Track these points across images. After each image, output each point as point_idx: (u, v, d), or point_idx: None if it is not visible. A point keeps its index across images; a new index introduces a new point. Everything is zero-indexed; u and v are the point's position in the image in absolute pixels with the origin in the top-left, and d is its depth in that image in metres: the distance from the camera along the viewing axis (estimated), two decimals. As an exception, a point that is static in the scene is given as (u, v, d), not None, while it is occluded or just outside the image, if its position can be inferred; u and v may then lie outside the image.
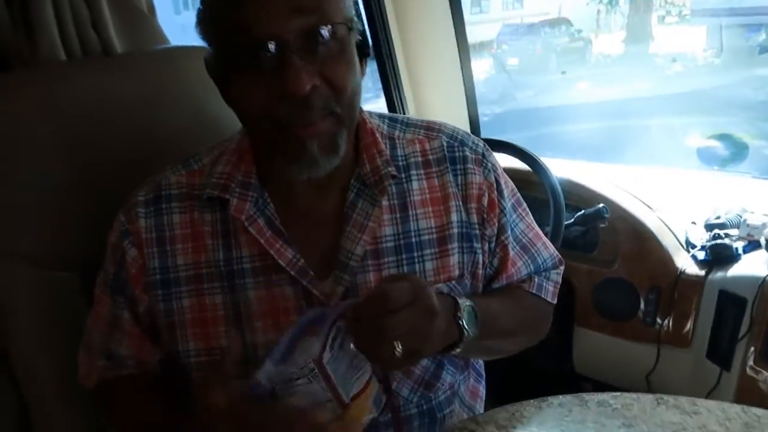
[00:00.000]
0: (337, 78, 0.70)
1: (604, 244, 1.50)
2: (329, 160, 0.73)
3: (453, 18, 1.80)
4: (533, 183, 1.46)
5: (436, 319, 0.66)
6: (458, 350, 0.74)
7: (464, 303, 0.73)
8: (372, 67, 1.93)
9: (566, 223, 1.41)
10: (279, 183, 0.80)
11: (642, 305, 1.41)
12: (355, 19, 0.73)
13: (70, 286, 0.94)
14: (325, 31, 0.68)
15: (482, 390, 0.95)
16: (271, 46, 0.66)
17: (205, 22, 0.73)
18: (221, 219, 0.80)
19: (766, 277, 1.18)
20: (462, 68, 1.88)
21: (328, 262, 0.79)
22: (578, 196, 1.51)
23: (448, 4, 1.77)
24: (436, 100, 1.95)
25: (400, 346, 0.63)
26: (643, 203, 1.51)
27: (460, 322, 0.72)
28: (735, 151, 2.22)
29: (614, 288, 1.45)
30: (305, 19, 0.67)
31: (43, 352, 0.92)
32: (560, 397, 0.80)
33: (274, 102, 0.68)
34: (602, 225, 1.47)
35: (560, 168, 1.57)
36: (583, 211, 1.42)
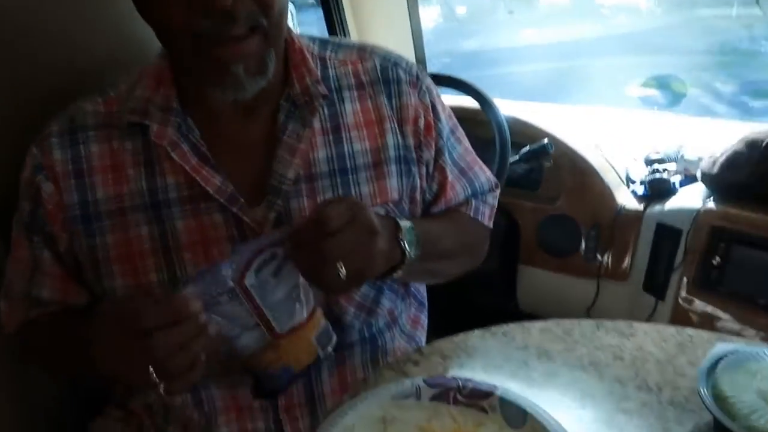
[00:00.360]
0: None
1: (547, 182, 1.51)
2: (256, 81, 0.69)
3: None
4: (479, 121, 1.44)
5: (377, 239, 0.65)
6: (400, 272, 0.73)
7: (405, 224, 0.72)
8: (318, 15, 1.84)
9: (511, 160, 1.40)
10: (203, 107, 0.75)
11: (584, 241, 1.43)
12: None
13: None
14: None
15: (424, 318, 0.96)
16: None
17: None
18: (143, 147, 0.75)
19: (699, 208, 1.21)
20: (409, 12, 1.81)
21: (259, 188, 0.75)
22: (523, 134, 1.50)
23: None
24: (382, 44, 1.88)
25: (344, 268, 0.62)
26: (587, 141, 1.52)
27: (402, 243, 0.71)
28: (674, 93, 2.28)
29: (557, 225, 1.47)
30: None
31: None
32: (504, 326, 0.80)
33: (196, 15, 0.63)
34: (547, 163, 1.48)
35: (506, 108, 1.56)
36: (528, 147, 1.42)
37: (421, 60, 1.92)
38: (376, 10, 1.82)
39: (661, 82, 2.47)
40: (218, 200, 0.73)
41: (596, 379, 0.70)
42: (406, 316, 0.91)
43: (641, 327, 0.79)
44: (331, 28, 1.81)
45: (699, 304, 1.21)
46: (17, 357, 0.89)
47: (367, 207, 0.65)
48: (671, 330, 0.78)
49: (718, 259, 1.17)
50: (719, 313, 1.20)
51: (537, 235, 1.51)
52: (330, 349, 0.71)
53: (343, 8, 1.79)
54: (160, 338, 0.56)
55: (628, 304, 1.38)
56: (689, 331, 0.78)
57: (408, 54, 1.88)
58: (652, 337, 0.77)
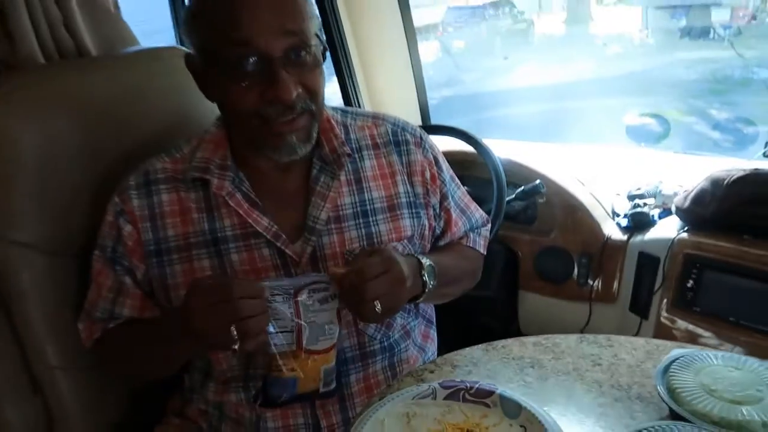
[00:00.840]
0: (314, 85, 0.87)
1: (542, 217, 1.68)
2: (305, 146, 0.90)
3: (402, 14, 1.94)
4: (477, 163, 1.62)
5: (405, 283, 0.84)
6: (421, 299, 0.91)
7: (426, 262, 0.91)
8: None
9: (508, 198, 1.58)
10: (252, 166, 0.95)
11: (576, 269, 1.59)
12: (320, 33, 0.89)
13: (67, 269, 1.04)
14: (304, 50, 0.84)
15: (433, 334, 1.14)
16: (262, 59, 0.82)
17: (194, 28, 0.87)
18: (204, 197, 0.94)
19: (674, 238, 1.38)
20: (411, 57, 2.02)
21: (297, 228, 0.94)
22: (518, 174, 1.68)
23: (400, 3, 1.91)
24: (387, 87, 2.09)
25: (380, 305, 0.81)
26: (576, 179, 1.69)
27: (424, 278, 0.90)
28: (659, 130, 2.47)
29: (552, 255, 1.63)
30: (290, 40, 0.83)
31: (49, 332, 1.02)
32: (503, 341, 0.96)
33: (264, 104, 0.84)
34: (541, 200, 1.66)
35: (503, 148, 1.74)
36: (522, 187, 1.60)
37: (423, 106, 2.12)
38: (381, 54, 2.03)
39: (649, 118, 2.66)
40: (265, 237, 0.92)
41: (578, 380, 0.86)
42: (418, 331, 1.08)
43: (617, 339, 0.95)
44: (338, 70, 2.00)
45: (678, 323, 1.37)
46: (88, 374, 1.06)
47: (400, 258, 0.84)
48: (641, 341, 0.94)
49: (691, 282, 1.33)
50: (697, 330, 1.35)
51: (534, 264, 1.67)
52: (327, 388, 0.89)
53: (349, 51, 1.99)
54: (243, 304, 0.75)
55: (617, 323, 1.53)
56: (656, 341, 0.94)
57: (411, 95, 2.08)
58: (626, 347, 0.93)
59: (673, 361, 0.79)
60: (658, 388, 0.75)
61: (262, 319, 0.78)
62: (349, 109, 1.06)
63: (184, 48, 1.34)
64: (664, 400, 0.73)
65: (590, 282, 1.58)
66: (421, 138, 1.04)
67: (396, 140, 1.02)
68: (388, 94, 2.09)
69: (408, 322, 1.05)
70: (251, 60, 0.82)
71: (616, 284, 1.53)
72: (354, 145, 0.99)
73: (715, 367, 0.77)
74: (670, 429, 0.68)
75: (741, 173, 1.31)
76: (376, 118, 1.04)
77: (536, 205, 1.68)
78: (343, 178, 0.97)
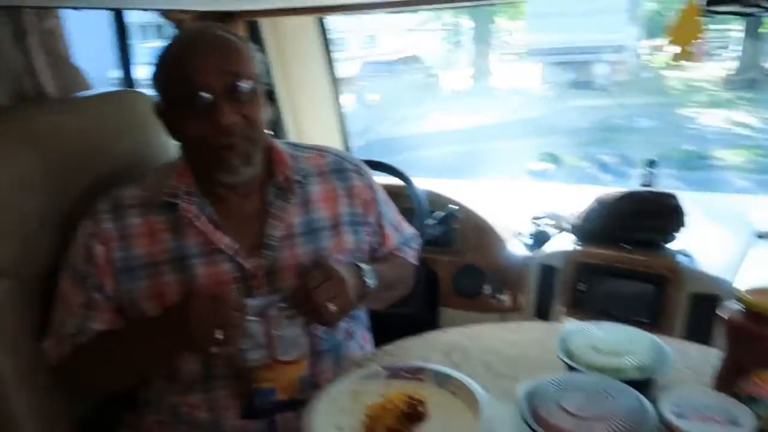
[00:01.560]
0: (251, 114, 1.02)
1: (458, 240, 1.89)
2: (246, 169, 1.04)
3: (328, 64, 2.14)
4: (402, 195, 1.81)
5: (347, 283, 1.00)
6: (365, 299, 1.07)
7: (365, 267, 1.08)
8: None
9: (429, 224, 1.78)
10: (213, 191, 1.08)
11: (488, 284, 1.81)
12: (262, 75, 1.06)
13: (28, 292, 1.10)
14: (242, 85, 1.00)
15: (370, 338, 1.30)
16: (207, 94, 0.98)
17: (158, 78, 1.03)
18: (172, 219, 1.06)
19: (569, 250, 1.62)
20: (335, 105, 2.23)
21: (254, 245, 1.08)
22: (438, 203, 1.89)
23: (324, 56, 2.11)
24: (314, 130, 2.27)
25: (333, 306, 0.97)
26: (486, 206, 1.93)
27: (365, 279, 1.06)
28: (554, 168, 2.79)
29: (467, 273, 1.84)
30: (229, 77, 0.99)
31: (5, 352, 1.07)
32: (431, 332, 1.15)
33: (208, 131, 0.99)
34: (456, 225, 1.87)
35: (424, 183, 1.95)
36: (441, 213, 1.81)
37: (346, 144, 2.31)
38: (310, 102, 2.21)
39: (547, 159, 2.99)
40: (227, 253, 1.05)
41: (495, 356, 1.04)
42: (359, 334, 1.24)
43: (525, 324, 1.16)
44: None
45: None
46: (43, 395, 1.10)
47: (337, 265, 1.00)
48: (544, 324, 1.15)
49: (582, 285, 1.57)
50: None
51: (452, 282, 1.87)
52: (305, 395, 0.98)
53: (277, 99, 2.15)
54: (234, 314, 0.89)
55: (526, 330, 1.74)
56: (555, 324, 1.15)
57: (337, 138, 2.27)
58: (532, 329, 1.13)
59: (568, 331, 0.98)
60: (557, 351, 0.94)
61: (240, 330, 0.92)
62: (298, 143, 1.23)
63: (135, 90, 1.47)
64: (561, 359, 0.92)
65: (500, 295, 1.79)
66: (359, 167, 1.22)
67: (338, 168, 1.18)
68: (315, 136, 2.27)
69: (350, 326, 1.20)
70: (198, 95, 0.97)
71: (522, 295, 1.75)
72: (302, 173, 1.15)
73: (598, 333, 0.97)
74: (568, 378, 0.86)
75: (620, 194, 1.59)
76: (321, 150, 1.21)
77: (454, 230, 1.89)
78: (293, 201, 1.11)
